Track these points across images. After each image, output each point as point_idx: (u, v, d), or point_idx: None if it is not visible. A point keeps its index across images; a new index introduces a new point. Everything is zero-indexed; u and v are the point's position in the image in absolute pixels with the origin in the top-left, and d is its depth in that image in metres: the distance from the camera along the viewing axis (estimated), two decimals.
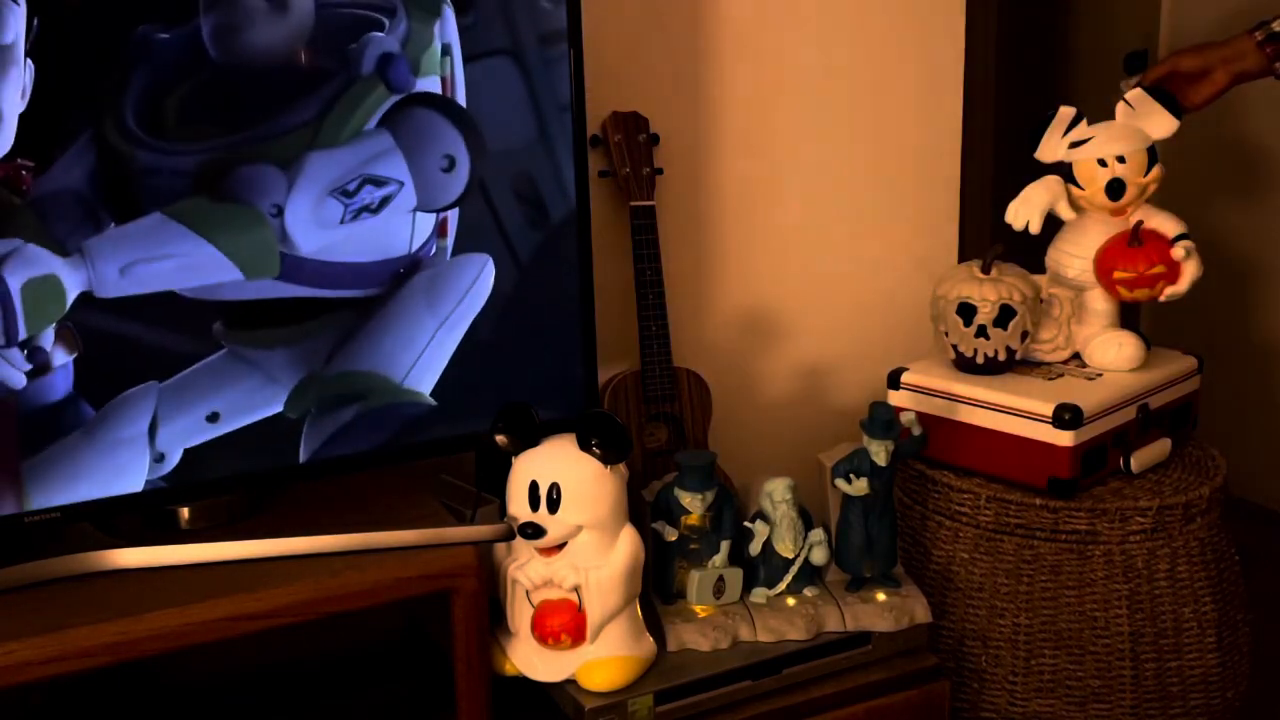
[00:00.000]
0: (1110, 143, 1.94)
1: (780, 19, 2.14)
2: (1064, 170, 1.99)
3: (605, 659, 1.63)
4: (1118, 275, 1.93)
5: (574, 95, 1.70)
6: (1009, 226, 2.00)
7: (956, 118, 2.37)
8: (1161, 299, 1.96)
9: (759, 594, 1.79)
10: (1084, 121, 1.97)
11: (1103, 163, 1.94)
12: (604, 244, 1.94)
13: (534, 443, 1.63)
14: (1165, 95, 1.95)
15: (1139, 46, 3.32)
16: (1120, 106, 1.96)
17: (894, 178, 2.32)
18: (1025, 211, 1.97)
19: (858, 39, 2.22)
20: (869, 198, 2.31)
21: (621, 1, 1.98)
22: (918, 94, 2.31)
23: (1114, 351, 1.98)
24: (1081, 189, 1.96)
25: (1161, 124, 1.95)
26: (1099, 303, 2.00)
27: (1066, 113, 1.97)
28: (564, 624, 1.61)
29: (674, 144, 2.06)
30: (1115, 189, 1.93)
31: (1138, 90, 1.96)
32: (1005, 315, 1.92)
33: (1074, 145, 1.97)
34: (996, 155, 3.97)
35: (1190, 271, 1.93)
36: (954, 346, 1.98)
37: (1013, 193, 2.02)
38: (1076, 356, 2.05)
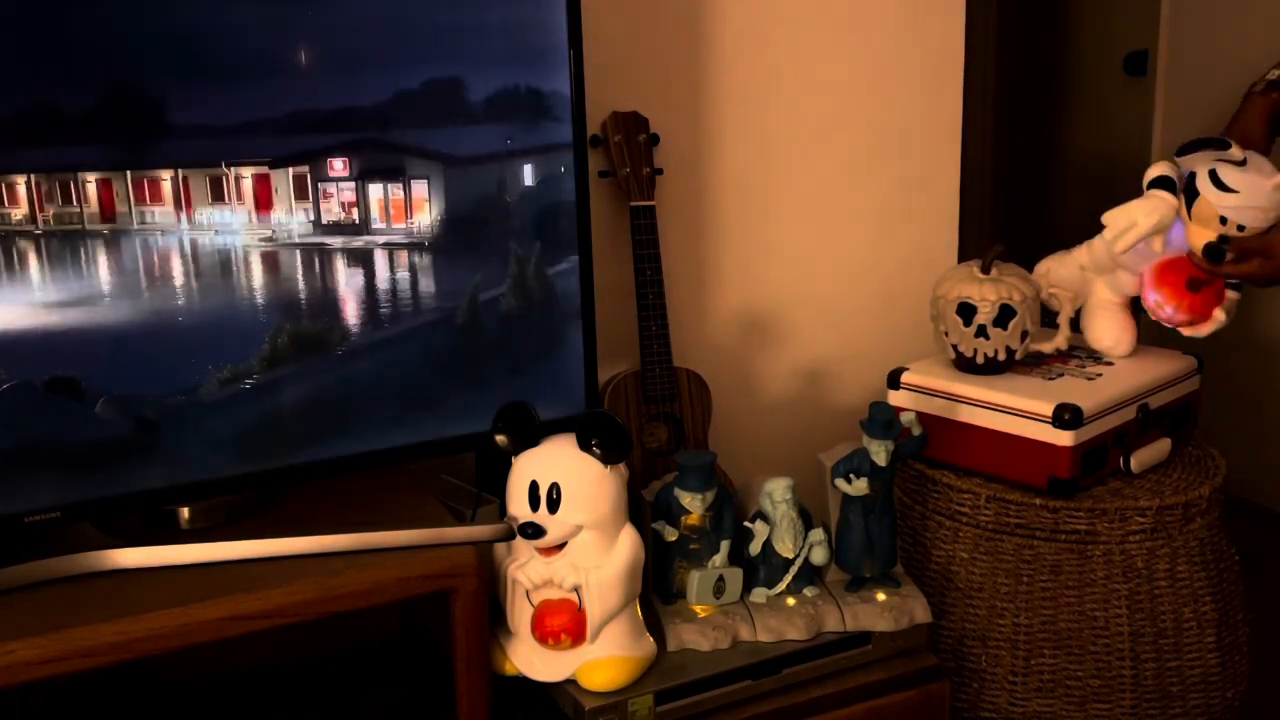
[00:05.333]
0: (1247, 210, 1.82)
1: (780, 20, 2.14)
2: (1186, 184, 1.90)
3: (605, 659, 1.63)
4: (1157, 302, 1.93)
5: (574, 95, 1.70)
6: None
7: (956, 118, 2.37)
8: (1184, 333, 1.95)
9: (759, 594, 1.79)
10: (1240, 168, 1.83)
11: (1224, 220, 1.83)
12: (604, 244, 1.94)
13: (534, 443, 1.63)
14: None
15: (1139, 46, 3.34)
16: (1278, 179, 1.82)
17: (893, 178, 2.33)
18: (1125, 230, 1.86)
19: (857, 39, 2.22)
20: (869, 198, 2.31)
21: (621, 1, 1.98)
22: (917, 94, 2.31)
23: (1112, 341, 2.03)
24: (1189, 218, 1.88)
25: None
26: (1128, 286, 2.00)
27: (1236, 154, 1.84)
28: (564, 624, 1.61)
29: (674, 144, 2.06)
30: (1214, 254, 1.83)
31: None
32: (1005, 315, 1.92)
33: (1216, 179, 1.83)
34: (996, 155, 3.98)
35: (1218, 325, 1.92)
36: (954, 346, 1.98)
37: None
38: (1078, 355, 2.06)
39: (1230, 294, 1.91)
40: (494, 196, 1.68)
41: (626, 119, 1.95)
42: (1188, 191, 1.88)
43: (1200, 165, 1.86)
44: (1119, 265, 1.99)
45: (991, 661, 1.88)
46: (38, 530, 1.46)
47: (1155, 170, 1.93)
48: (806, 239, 2.26)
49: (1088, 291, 2.06)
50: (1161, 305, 1.92)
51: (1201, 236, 1.85)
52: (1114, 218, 1.90)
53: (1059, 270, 2.05)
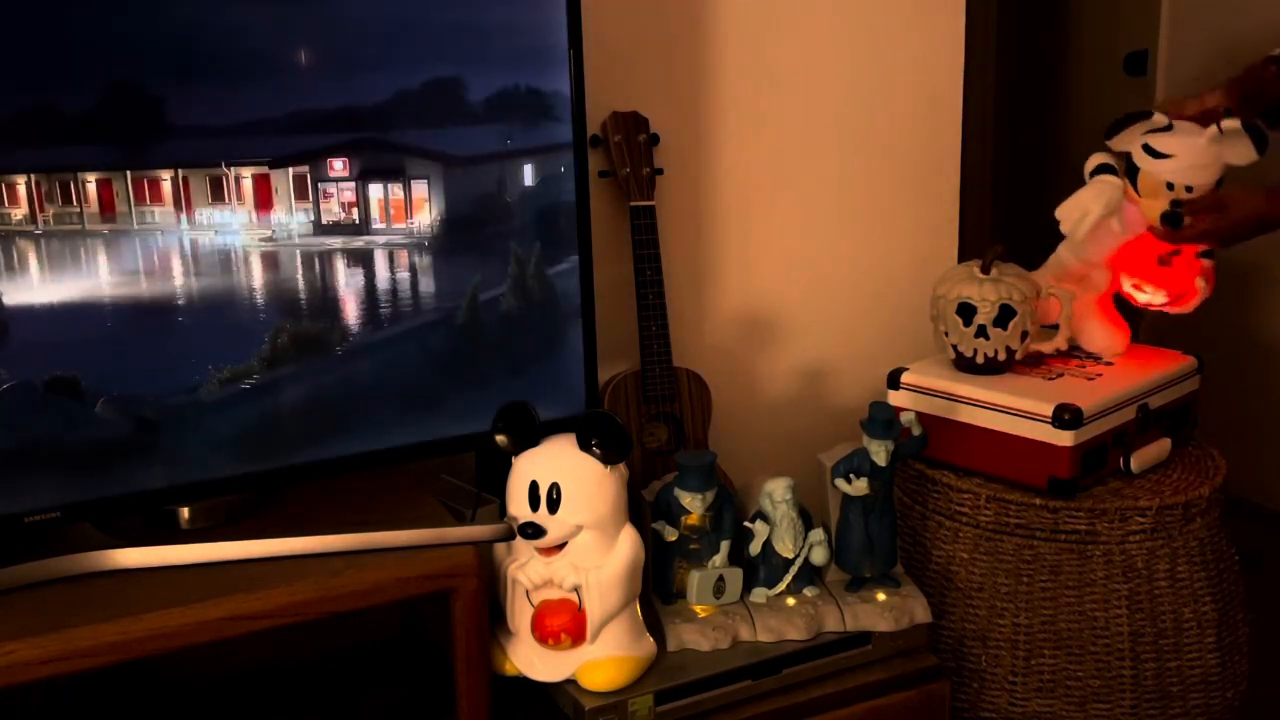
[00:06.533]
0: (1187, 170, 1.86)
1: (780, 19, 2.14)
2: (1126, 164, 1.94)
3: (605, 659, 1.63)
4: (1134, 287, 1.94)
5: (574, 95, 1.70)
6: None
7: (956, 118, 2.37)
8: (1168, 311, 1.96)
9: (759, 594, 1.79)
10: (1169, 133, 1.88)
11: (1170, 186, 1.87)
12: (604, 244, 1.94)
13: (534, 443, 1.63)
14: (1256, 130, 1.86)
15: (1139, 46, 3.34)
16: (1211, 131, 1.85)
17: (894, 177, 2.32)
18: (1078, 219, 1.92)
19: (858, 39, 2.22)
20: (869, 198, 2.31)
21: (621, 1, 1.98)
22: (918, 94, 2.31)
23: (1102, 341, 2.04)
24: (1139, 195, 1.92)
25: (1243, 153, 1.86)
26: (1105, 285, 2.02)
27: (1159, 120, 1.88)
28: (564, 624, 1.61)
29: (674, 144, 2.06)
30: (1173, 220, 1.86)
31: (1236, 123, 1.84)
32: (1005, 315, 1.92)
33: (1150, 150, 1.88)
34: (997, 155, 3.97)
35: (1203, 295, 1.94)
36: (954, 346, 1.98)
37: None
38: (1078, 355, 2.06)
39: (1205, 262, 1.93)
40: (494, 196, 1.68)
41: (626, 119, 1.95)
42: (1129, 171, 1.92)
43: (1132, 142, 1.90)
44: (1087, 265, 2.01)
45: (991, 661, 1.88)
46: (38, 530, 1.46)
47: (1094, 160, 1.97)
48: (806, 239, 2.26)
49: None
50: (1139, 290, 1.94)
51: (1155, 210, 1.88)
52: (1066, 210, 1.94)
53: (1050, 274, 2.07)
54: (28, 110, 1.38)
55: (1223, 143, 1.85)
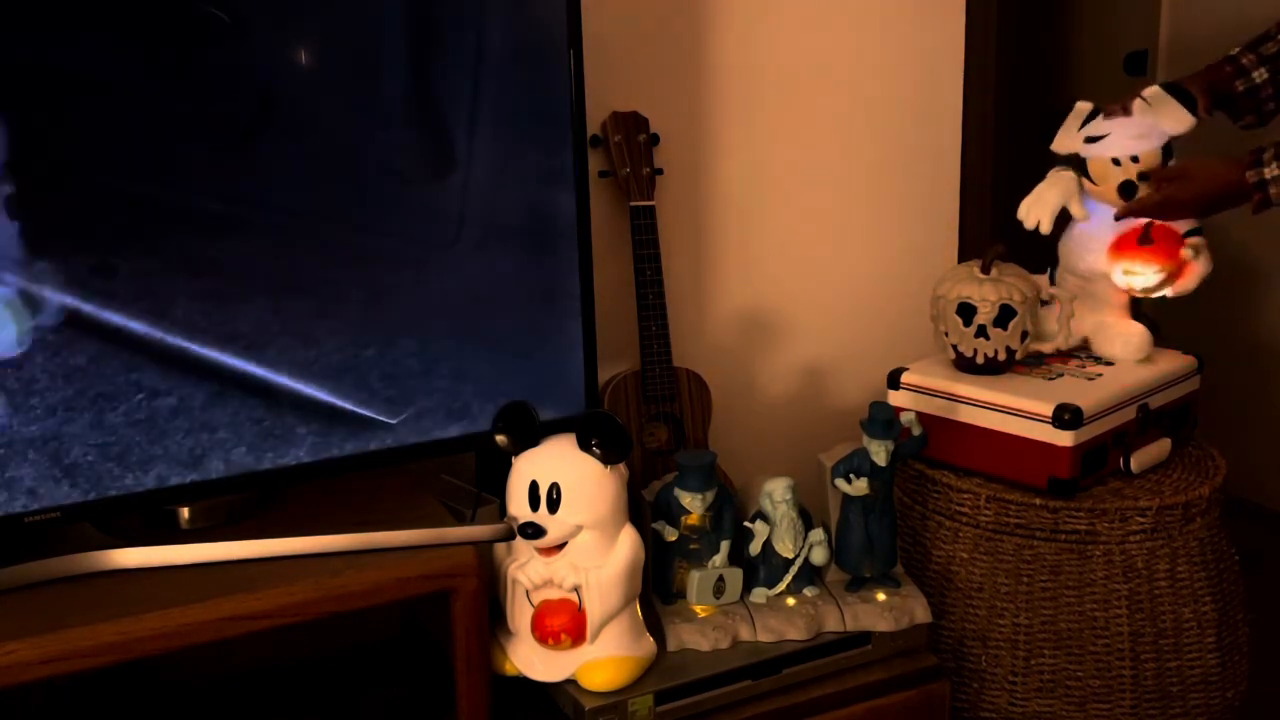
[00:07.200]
0: (1125, 141, 1.93)
1: (780, 20, 2.14)
2: (1077, 162, 1.99)
3: (605, 659, 1.63)
4: (1125, 272, 1.95)
5: (574, 95, 1.70)
6: (1011, 225, 2.01)
7: (956, 118, 2.37)
8: (1170, 294, 1.97)
9: (759, 594, 1.79)
10: (1100, 115, 1.96)
11: (1117, 162, 1.93)
12: (604, 244, 1.94)
13: (534, 443, 1.63)
14: (1181, 92, 1.91)
15: (1139, 46, 3.34)
16: (1137, 103, 1.93)
17: (894, 178, 2.33)
18: (1038, 210, 1.97)
19: (857, 40, 2.23)
20: (869, 198, 2.31)
21: (621, 1, 1.98)
22: (918, 94, 2.31)
23: (1120, 343, 2.01)
24: (1095, 184, 1.97)
25: (1178, 120, 1.91)
26: (1111, 293, 2.01)
27: (1083, 107, 1.97)
28: (564, 624, 1.61)
29: (674, 144, 2.06)
30: (1127, 190, 1.92)
31: (1155, 88, 1.91)
32: (1005, 315, 1.92)
33: (1090, 140, 1.96)
34: (997, 155, 3.97)
35: (1199, 270, 1.94)
36: (954, 346, 1.98)
37: (1013, 192, 2.02)
38: (1078, 355, 2.05)
39: (1194, 239, 1.94)
40: (494, 196, 1.67)
41: (626, 119, 1.95)
42: (1080, 168, 1.98)
43: (1074, 141, 1.98)
44: (1084, 280, 2.01)
45: (991, 661, 1.88)
46: (38, 530, 1.46)
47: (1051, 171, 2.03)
48: (806, 239, 2.26)
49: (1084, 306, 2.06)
50: (1130, 274, 1.94)
51: (1113, 193, 1.94)
52: (1025, 207, 1.99)
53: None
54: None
55: (1152, 111, 1.91)
